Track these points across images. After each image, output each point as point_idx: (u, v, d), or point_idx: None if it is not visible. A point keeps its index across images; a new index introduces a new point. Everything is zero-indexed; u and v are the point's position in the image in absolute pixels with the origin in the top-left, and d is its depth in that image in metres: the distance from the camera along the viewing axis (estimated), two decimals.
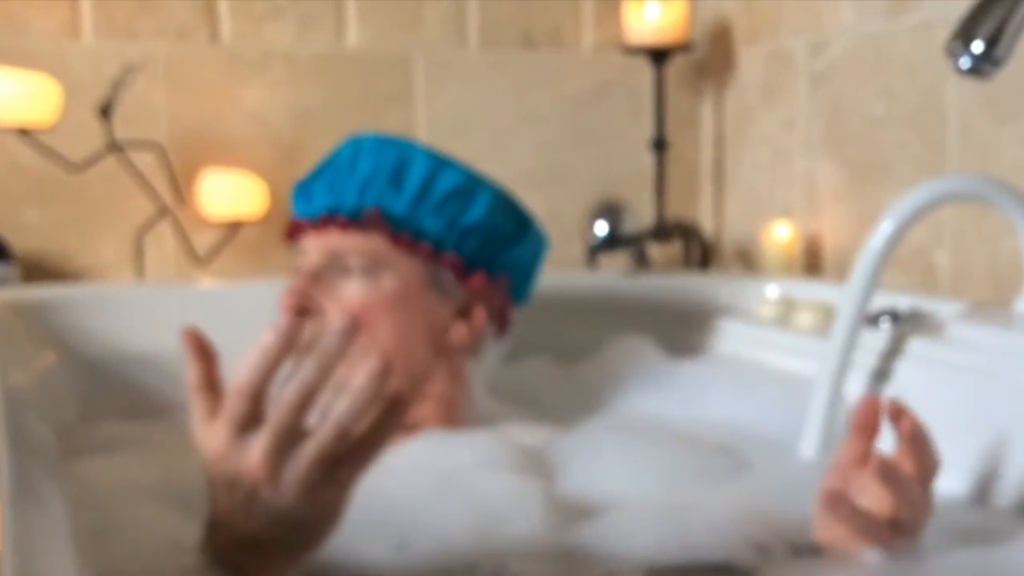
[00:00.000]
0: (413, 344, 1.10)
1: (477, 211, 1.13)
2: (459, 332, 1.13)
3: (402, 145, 1.16)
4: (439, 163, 1.14)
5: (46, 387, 1.19)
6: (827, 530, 0.85)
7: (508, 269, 1.16)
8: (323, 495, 0.70)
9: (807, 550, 0.86)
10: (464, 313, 1.14)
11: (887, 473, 0.79)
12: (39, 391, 1.15)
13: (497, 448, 1.05)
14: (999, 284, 1.34)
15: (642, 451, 1.10)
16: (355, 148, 1.16)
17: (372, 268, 1.10)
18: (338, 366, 0.69)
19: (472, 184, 1.14)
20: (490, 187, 1.16)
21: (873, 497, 0.81)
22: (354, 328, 0.69)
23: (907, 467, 0.82)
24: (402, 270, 1.11)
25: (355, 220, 1.11)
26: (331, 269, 1.10)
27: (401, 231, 1.11)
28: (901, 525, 0.81)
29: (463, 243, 1.13)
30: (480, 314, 1.14)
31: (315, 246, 1.12)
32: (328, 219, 1.12)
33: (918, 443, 0.82)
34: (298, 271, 1.13)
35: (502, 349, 1.21)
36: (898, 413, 0.82)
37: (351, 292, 1.09)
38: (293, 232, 1.15)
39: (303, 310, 1.08)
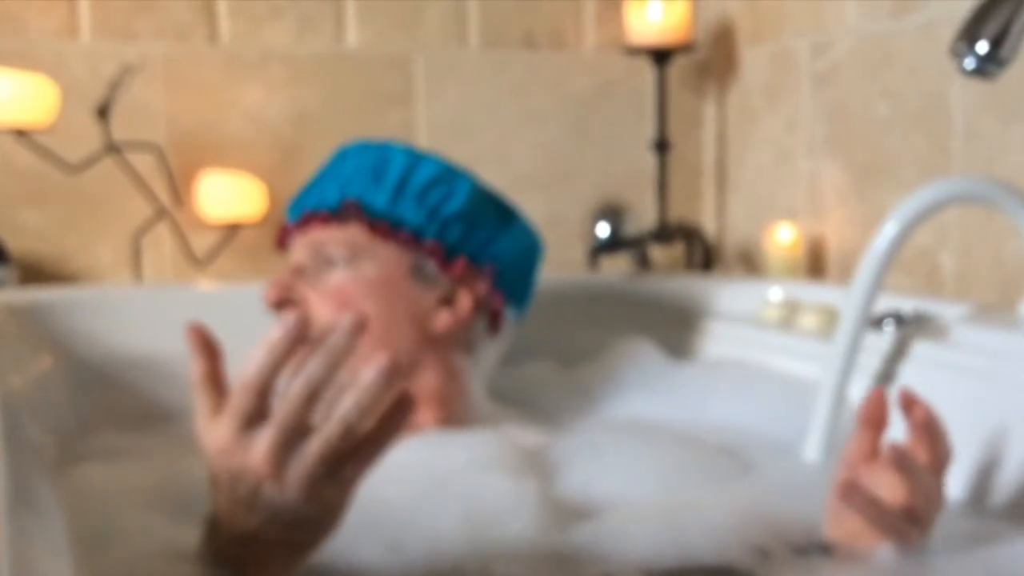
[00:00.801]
0: (397, 331, 1.11)
1: (457, 200, 1.15)
2: (443, 318, 1.13)
3: (383, 146, 1.19)
4: (417, 157, 1.17)
5: (43, 390, 1.18)
6: (839, 527, 0.84)
7: (493, 260, 1.17)
8: (326, 493, 0.69)
9: (816, 549, 0.85)
10: (448, 301, 1.14)
11: (901, 461, 0.78)
12: (36, 394, 1.15)
13: (494, 448, 1.05)
14: (1004, 286, 1.33)
15: (643, 452, 1.09)
16: (341, 156, 1.20)
17: (352, 257, 1.12)
18: (344, 363, 0.69)
19: (450, 175, 1.17)
20: (469, 178, 1.18)
21: (886, 487, 0.80)
22: (361, 326, 0.69)
23: (920, 456, 0.81)
24: (383, 258, 1.12)
25: (334, 214, 1.13)
26: (314, 262, 1.13)
27: (379, 220, 1.12)
28: (915, 515, 0.80)
29: (444, 231, 1.14)
30: (464, 300, 1.14)
31: (299, 244, 1.15)
32: (310, 216, 1.15)
33: (932, 432, 0.81)
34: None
35: (499, 348, 1.20)
36: (910, 402, 0.81)
37: (333, 281, 1.11)
38: (282, 239, 1.18)
39: (285, 302, 1.10)
